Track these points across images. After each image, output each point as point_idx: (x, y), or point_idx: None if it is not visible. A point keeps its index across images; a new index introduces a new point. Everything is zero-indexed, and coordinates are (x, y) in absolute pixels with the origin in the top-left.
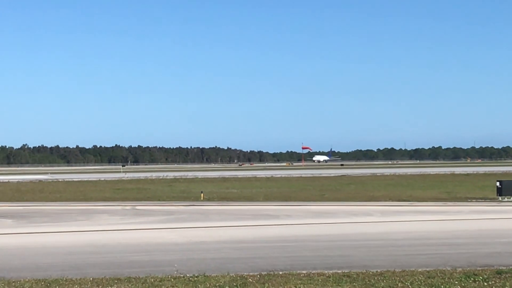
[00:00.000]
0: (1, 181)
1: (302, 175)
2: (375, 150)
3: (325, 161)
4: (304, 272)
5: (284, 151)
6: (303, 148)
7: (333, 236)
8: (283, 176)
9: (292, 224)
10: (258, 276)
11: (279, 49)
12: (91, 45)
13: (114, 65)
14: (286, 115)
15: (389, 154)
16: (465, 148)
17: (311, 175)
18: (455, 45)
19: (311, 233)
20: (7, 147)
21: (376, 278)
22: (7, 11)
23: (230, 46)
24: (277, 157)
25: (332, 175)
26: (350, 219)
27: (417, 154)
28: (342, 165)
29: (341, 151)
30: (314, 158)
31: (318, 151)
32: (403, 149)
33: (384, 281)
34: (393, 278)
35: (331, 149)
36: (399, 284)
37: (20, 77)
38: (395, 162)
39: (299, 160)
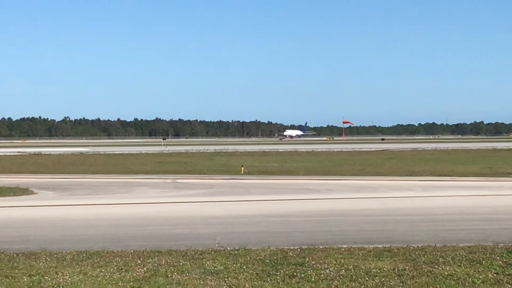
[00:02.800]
0: (43, 153)
1: (343, 149)
2: (416, 125)
3: (298, 136)
4: (344, 246)
5: (325, 125)
6: (344, 123)
7: (374, 210)
8: (323, 150)
9: (332, 198)
10: (299, 250)
11: (322, 20)
12: (133, 15)
13: (154, 38)
14: (327, 89)
15: (431, 129)
16: (507, 123)
17: (352, 149)
18: (501, 21)
19: (352, 208)
20: (49, 119)
21: (417, 253)
22: None
23: (272, 17)
24: (318, 131)
25: (373, 149)
26: (391, 194)
27: (459, 129)
28: (383, 139)
29: (382, 126)
30: (285, 133)
31: (356, 126)
32: (445, 124)
33: (425, 256)
34: (434, 253)
35: (305, 124)
36: (440, 259)
37: (61, 50)
38: (436, 137)
39: (340, 134)
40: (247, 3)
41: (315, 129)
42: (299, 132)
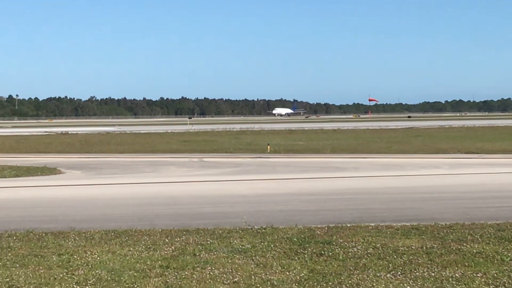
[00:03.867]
0: (70, 133)
1: (369, 127)
2: (443, 102)
3: (288, 114)
4: (372, 224)
5: (351, 103)
6: (369, 100)
7: (401, 188)
8: (349, 128)
9: (359, 176)
10: (326, 228)
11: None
12: None
13: (180, 17)
14: (353, 66)
15: (457, 106)
16: None
17: (378, 127)
18: None
19: (379, 186)
20: (75, 99)
21: (445, 230)
22: None
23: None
24: (344, 109)
25: (400, 127)
26: (418, 172)
27: (486, 106)
28: (409, 117)
29: (408, 103)
30: (274, 111)
31: (382, 104)
32: (472, 101)
33: (453, 233)
34: (462, 230)
35: (295, 101)
36: (468, 237)
37: (87, 30)
38: (463, 114)
39: (366, 112)
40: None
41: (340, 107)
42: (288, 111)
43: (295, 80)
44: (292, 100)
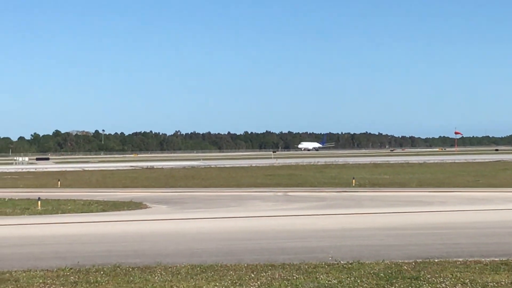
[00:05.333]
0: (155, 167)
1: (456, 161)
2: None
3: (316, 149)
4: (460, 259)
5: (436, 136)
6: (455, 133)
7: (490, 223)
8: (436, 161)
9: (446, 210)
10: (413, 263)
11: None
12: (242, 27)
13: (264, 52)
14: (439, 99)
15: None
16: None
17: (465, 161)
18: None
19: (466, 220)
20: (160, 133)
21: None
22: None
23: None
24: (429, 143)
25: (487, 160)
26: (506, 206)
27: None
28: (496, 150)
29: (495, 136)
30: (300, 146)
31: (469, 136)
32: None
33: None
34: None
35: (324, 134)
36: None
37: (171, 66)
38: None
39: (452, 145)
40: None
41: (425, 140)
42: (316, 145)
43: (380, 113)
44: (377, 133)
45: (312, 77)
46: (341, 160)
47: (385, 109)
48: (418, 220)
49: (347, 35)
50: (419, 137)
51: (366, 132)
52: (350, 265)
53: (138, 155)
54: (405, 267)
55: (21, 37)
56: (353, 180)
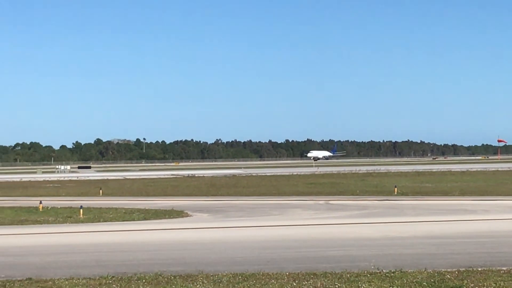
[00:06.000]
0: (196, 175)
1: (499, 169)
2: None
3: (326, 157)
4: (504, 268)
5: (479, 144)
6: (498, 141)
7: None
8: (478, 170)
9: (489, 219)
10: (456, 272)
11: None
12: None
13: (298, 60)
14: (481, 107)
15: None
16: None
17: (508, 169)
18: None
19: (510, 229)
20: (201, 142)
21: None
22: None
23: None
24: (472, 150)
25: None
26: None
27: None
28: None
29: None
30: (309, 154)
31: None
32: None
33: None
34: None
35: (335, 143)
36: None
37: (212, 72)
38: None
39: (495, 153)
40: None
41: (468, 148)
42: (326, 153)
43: (422, 121)
44: (419, 141)
45: (354, 85)
46: (383, 169)
47: (427, 117)
48: (461, 229)
49: (394, 43)
50: (461, 145)
51: (408, 140)
52: (392, 274)
53: (179, 164)
54: (448, 276)
55: (64, 48)
56: (395, 189)
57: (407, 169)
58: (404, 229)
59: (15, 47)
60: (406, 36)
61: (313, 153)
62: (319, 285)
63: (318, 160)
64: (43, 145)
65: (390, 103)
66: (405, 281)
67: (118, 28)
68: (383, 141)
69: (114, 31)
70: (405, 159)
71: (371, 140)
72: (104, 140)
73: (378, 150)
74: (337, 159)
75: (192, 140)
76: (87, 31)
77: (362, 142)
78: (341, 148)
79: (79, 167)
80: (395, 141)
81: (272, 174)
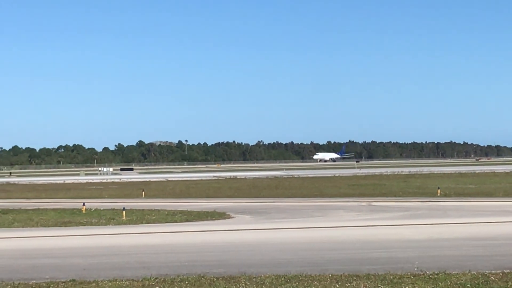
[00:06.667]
0: (238, 177)
1: None
2: None
3: (333, 160)
4: None
5: None
6: None
7: None
8: None
9: None
10: (501, 274)
11: None
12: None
13: (336, 62)
14: None
15: None
16: None
17: None
18: None
19: None
20: (243, 144)
21: None
22: None
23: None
24: None
25: None
26: None
27: None
28: None
29: None
30: (315, 157)
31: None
32: None
33: None
34: None
35: (344, 146)
36: None
37: (252, 77)
38: None
39: None
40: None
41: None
42: (334, 155)
43: (465, 122)
44: (462, 142)
45: (396, 86)
46: (425, 170)
47: (470, 118)
48: (505, 230)
49: (438, 45)
50: (505, 146)
51: (451, 141)
52: (436, 276)
53: (221, 165)
54: (492, 277)
55: (109, 51)
56: (438, 190)
57: (450, 170)
58: (447, 231)
59: (66, 51)
60: (445, 38)
61: (319, 155)
62: (362, 287)
63: (325, 163)
64: (86, 148)
65: (433, 104)
66: (449, 283)
67: (162, 33)
68: (426, 142)
69: (159, 35)
70: (448, 160)
71: (414, 142)
72: (146, 142)
73: (420, 151)
74: (346, 159)
75: (233, 141)
76: (136, 35)
77: (405, 143)
78: (349, 150)
79: (121, 169)
80: (438, 142)
81: (314, 175)
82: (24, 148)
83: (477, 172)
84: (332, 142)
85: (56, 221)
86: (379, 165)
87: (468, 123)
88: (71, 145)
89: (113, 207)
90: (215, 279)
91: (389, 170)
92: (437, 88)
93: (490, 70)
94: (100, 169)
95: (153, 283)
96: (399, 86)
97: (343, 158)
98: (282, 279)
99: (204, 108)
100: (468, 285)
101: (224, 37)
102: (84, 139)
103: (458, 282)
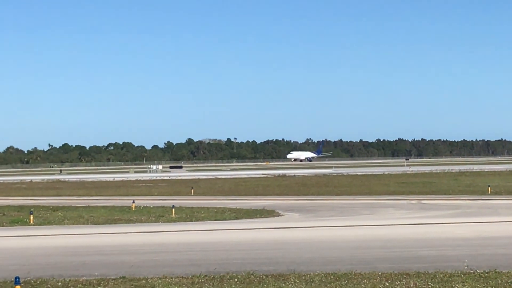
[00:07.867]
0: (287, 175)
1: None
2: None
3: (309, 159)
4: None
5: None
6: None
7: None
8: None
9: None
10: None
11: None
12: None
13: (388, 60)
14: None
15: None
16: None
17: None
18: None
19: None
20: (292, 141)
21: None
22: None
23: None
24: None
25: None
26: None
27: None
28: None
29: None
30: (289, 156)
31: None
32: None
33: None
34: None
35: (321, 144)
36: None
37: (301, 74)
38: None
39: None
40: None
41: None
42: (310, 154)
43: None
44: None
45: (445, 82)
46: (476, 168)
47: None
48: None
49: (481, 40)
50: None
51: (502, 139)
52: (486, 274)
53: (270, 163)
54: None
55: (157, 48)
56: (489, 188)
57: (500, 168)
58: (498, 229)
59: (124, 50)
60: (490, 31)
61: (294, 154)
62: (412, 285)
63: (301, 162)
64: (135, 145)
65: (484, 102)
66: (500, 281)
67: (223, 32)
68: (476, 140)
69: (219, 34)
70: (498, 158)
71: (464, 139)
72: (195, 140)
73: (471, 149)
74: (325, 159)
75: (282, 139)
76: (194, 35)
77: (455, 141)
78: (328, 149)
79: (170, 167)
80: (488, 140)
81: (363, 173)
82: (74, 146)
83: None
84: (381, 140)
85: (106, 218)
86: (428, 163)
87: None
88: (120, 142)
89: (162, 204)
90: (264, 276)
91: (438, 168)
92: (488, 86)
93: None
94: (149, 166)
95: (203, 280)
96: (449, 84)
97: (320, 157)
98: (332, 277)
99: (253, 106)
100: None
101: (284, 33)
102: (134, 137)
103: (509, 281)
